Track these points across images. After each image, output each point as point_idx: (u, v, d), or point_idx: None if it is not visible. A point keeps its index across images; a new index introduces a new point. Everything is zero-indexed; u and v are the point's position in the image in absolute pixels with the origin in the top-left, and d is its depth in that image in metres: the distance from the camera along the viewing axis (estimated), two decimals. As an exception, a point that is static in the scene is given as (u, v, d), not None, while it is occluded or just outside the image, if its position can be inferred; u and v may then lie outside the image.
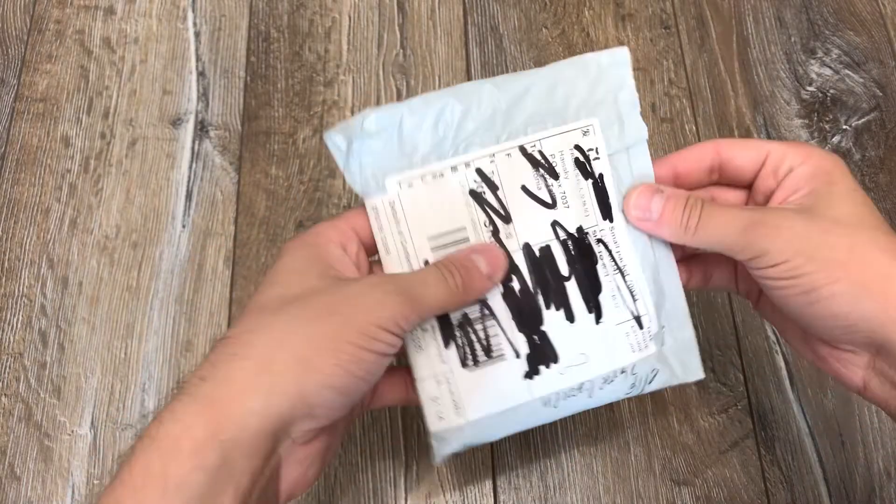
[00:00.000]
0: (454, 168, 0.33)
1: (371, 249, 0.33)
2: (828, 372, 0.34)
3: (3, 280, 0.48)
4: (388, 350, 0.29)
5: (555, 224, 0.34)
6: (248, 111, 0.54)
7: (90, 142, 0.52)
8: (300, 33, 0.57)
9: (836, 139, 0.56)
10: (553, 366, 0.34)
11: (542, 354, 0.34)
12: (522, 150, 0.33)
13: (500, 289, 0.33)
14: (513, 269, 0.33)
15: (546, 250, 0.34)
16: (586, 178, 0.34)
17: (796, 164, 0.33)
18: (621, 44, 0.58)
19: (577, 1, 0.59)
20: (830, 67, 0.58)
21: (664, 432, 0.47)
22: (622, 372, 0.34)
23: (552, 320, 0.34)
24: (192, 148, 0.53)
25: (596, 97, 0.34)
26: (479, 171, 0.33)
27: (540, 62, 0.57)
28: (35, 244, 0.50)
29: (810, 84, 0.57)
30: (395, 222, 0.33)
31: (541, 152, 0.34)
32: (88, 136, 0.53)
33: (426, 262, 0.32)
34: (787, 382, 0.48)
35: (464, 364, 0.33)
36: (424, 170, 0.33)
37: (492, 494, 0.45)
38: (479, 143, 0.33)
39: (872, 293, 0.29)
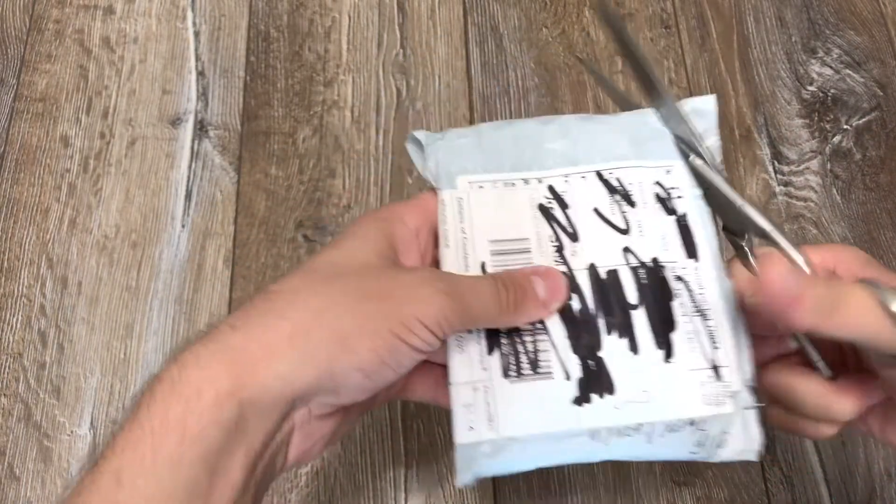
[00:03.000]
0: (526, 181, 0.33)
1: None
2: None
3: (3, 280, 0.48)
4: (424, 347, 0.28)
5: (626, 250, 0.32)
6: (248, 111, 0.54)
7: (89, 141, 0.52)
8: (300, 33, 0.57)
9: (836, 139, 0.56)
10: (608, 397, 0.30)
11: (596, 382, 0.30)
12: (599, 175, 0.33)
13: None
14: (574, 287, 0.31)
15: (613, 274, 0.32)
16: (668, 215, 0.32)
17: (840, 258, 0.30)
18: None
19: (577, 1, 0.59)
20: (831, 67, 0.58)
21: (664, 432, 0.47)
22: (690, 423, 0.30)
23: (613, 348, 0.31)
24: (192, 148, 0.53)
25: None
26: (552, 189, 0.33)
27: (540, 62, 0.57)
28: (34, 244, 0.49)
29: (811, 84, 0.57)
30: (460, 218, 0.32)
31: (618, 179, 0.33)
32: (88, 135, 0.53)
33: (483, 265, 0.32)
34: (787, 382, 0.48)
35: (506, 374, 0.30)
36: (497, 176, 0.33)
37: (492, 494, 0.45)
38: (554, 164, 0.33)
39: None
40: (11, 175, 0.51)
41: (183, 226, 0.50)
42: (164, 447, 0.24)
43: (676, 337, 0.31)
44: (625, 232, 0.32)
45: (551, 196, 0.33)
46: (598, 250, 0.32)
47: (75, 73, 0.54)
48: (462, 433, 0.30)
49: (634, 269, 0.32)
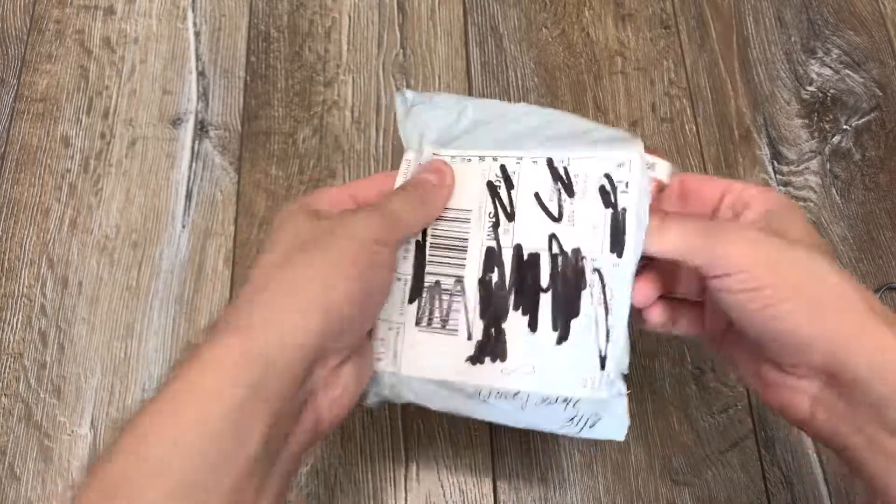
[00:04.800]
0: (482, 158, 0.36)
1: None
2: (773, 402, 0.33)
3: (3, 280, 0.48)
4: (389, 262, 0.32)
5: (553, 237, 0.34)
6: (248, 111, 0.54)
7: (90, 142, 0.52)
8: (300, 33, 0.57)
9: (836, 139, 0.56)
10: (498, 363, 0.34)
11: (492, 347, 0.34)
12: (549, 162, 0.35)
13: (479, 273, 0.35)
14: (498, 262, 0.35)
15: (534, 257, 0.35)
16: (606, 207, 0.34)
17: (755, 199, 0.34)
18: (621, 43, 0.58)
19: (577, 1, 0.59)
20: (830, 67, 0.58)
21: (664, 432, 0.47)
22: (564, 401, 0.34)
23: (514, 322, 0.34)
24: (192, 148, 0.53)
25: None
26: (503, 168, 0.35)
27: (540, 62, 0.57)
28: (35, 244, 0.49)
29: (810, 84, 0.57)
30: None
31: (566, 169, 0.35)
32: (88, 136, 0.53)
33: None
34: (787, 382, 0.48)
35: (418, 322, 0.35)
36: (457, 152, 0.36)
37: (492, 495, 0.45)
38: (514, 146, 0.36)
39: (831, 312, 0.29)
40: (12, 175, 0.51)
41: (183, 226, 0.50)
42: (188, 408, 0.26)
43: (575, 323, 0.34)
44: (556, 220, 0.35)
45: (501, 175, 0.35)
46: (527, 233, 0.35)
47: (76, 73, 0.54)
48: (373, 362, 0.35)
49: (554, 256, 0.34)
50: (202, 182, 0.52)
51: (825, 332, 0.29)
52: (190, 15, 0.57)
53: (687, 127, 0.55)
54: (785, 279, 0.30)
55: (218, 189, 0.52)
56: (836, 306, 0.30)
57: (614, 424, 0.34)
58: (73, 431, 0.45)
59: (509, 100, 0.55)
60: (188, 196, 0.51)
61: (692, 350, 0.49)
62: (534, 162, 0.35)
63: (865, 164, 0.55)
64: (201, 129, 0.53)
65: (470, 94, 0.55)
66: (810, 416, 0.32)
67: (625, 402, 0.34)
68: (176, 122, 0.53)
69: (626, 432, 0.34)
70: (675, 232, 0.33)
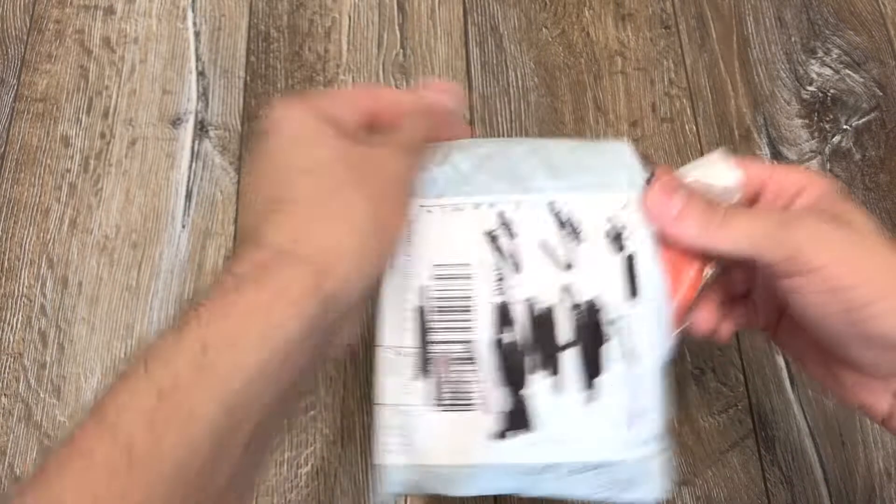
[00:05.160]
0: (477, 205, 0.32)
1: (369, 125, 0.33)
2: (850, 402, 0.31)
3: (3, 280, 0.48)
4: (412, 193, 0.31)
5: (565, 289, 0.31)
6: (248, 111, 0.54)
7: (90, 142, 0.52)
8: (300, 33, 0.57)
9: (836, 139, 0.56)
10: (524, 433, 0.31)
11: (516, 418, 0.31)
12: (551, 206, 0.32)
13: (491, 335, 0.31)
14: (508, 321, 0.31)
15: (548, 312, 0.31)
16: (616, 252, 0.31)
17: (804, 186, 0.31)
18: (621, 43, 0.58)
19: (577, 1, 0.59)
20: (831, 67, 0.58)
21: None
22: (595, 467, 0.31)
23: (537, 386, 0.31)
24: (192, 148, 0.53)
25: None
26: (501, 215, 0.32)
27: (540, 62, 0.57)
28: (35, 244, 0.49)
29: (810, 84, 0.57)
30: (407, 243, 0.32)
31: (569, 213, 0.32)
32: (88, 135, 0.53)
33: (421, 289, 0.32)
34: (787, 382, 0.48)
35: (429, 401, 0.31)
36: (448, 200, 0.32)
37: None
38: (509, 189, 0.32)
39: None
40: (12, 175, 0.51)
41: (183, 226, 0.50)
42: (248, 331, 0.25)
43: (601, 381, 0.31)
44: (567, 268, 0.31)
45: (499, 223, 0.32)
46: (536, 285, 0.31)
47: (76, 73, 0.54)
48: (380, 454, 0.31)
49: (569, 309, 0.31)
50: (202, 182, 0.52)
51: None
52: (190, 15, 0.57)
53: (687, 127, 0.55)
54: (871, 278, 0.27)
55: (218, 189, 0.52)
56: None
57: (651, 485, 0.31)
58: (72, 431, 0.45)
59: (509, 100, 0.55)
60: (188, 196, 0.51)
61: (692, 350, 0.49)
62: (533, 207, 0.32)
63: (865, 164, 0.55)
64: (201, 129, 0.53)
65: (470, 94, 0.55)
66: (889, 414, 0.30)
67: (658, 462, 0.31)
68: (176, 122, 0.53)
69: (663, 494, 0.31)
70: (743, 225, 0.29)
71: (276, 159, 0.29)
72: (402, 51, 0.56)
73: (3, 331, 0.47)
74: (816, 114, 0.56)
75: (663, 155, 0.54)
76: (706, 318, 0.33)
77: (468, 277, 0.31)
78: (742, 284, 0.35)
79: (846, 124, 0.56)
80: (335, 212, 0.28)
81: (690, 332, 0.33)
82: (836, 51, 0.58)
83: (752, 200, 0.33)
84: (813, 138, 0.56)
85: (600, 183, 0.32)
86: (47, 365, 0.46)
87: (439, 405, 0.31)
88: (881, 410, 0.31)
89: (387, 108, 0.32)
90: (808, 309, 0.29)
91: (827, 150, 0.55)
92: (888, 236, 0.29)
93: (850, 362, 0.30)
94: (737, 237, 0.29)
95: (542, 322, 0.31)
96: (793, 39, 0.59)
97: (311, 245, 0.27)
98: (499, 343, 0.31)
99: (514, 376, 0.31)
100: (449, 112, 0.34)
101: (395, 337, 0.31)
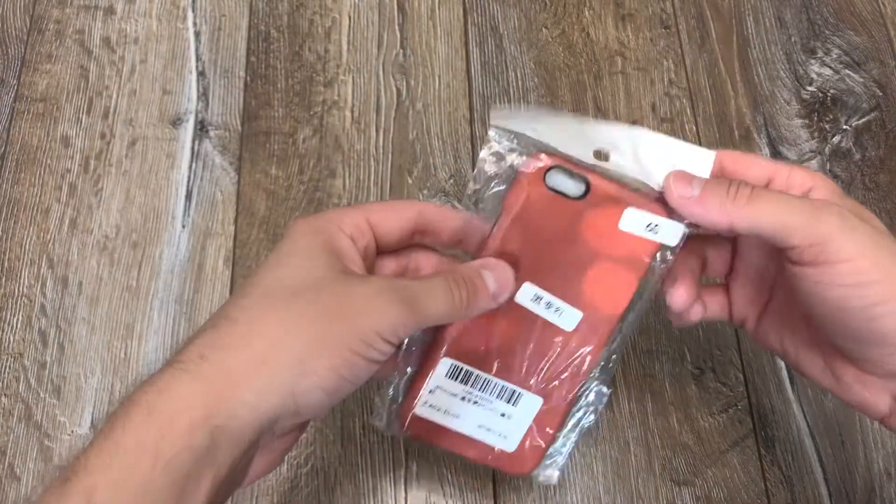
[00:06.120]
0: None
1: (382, 246, 0.32)
2: (849, 399, 0.31)
3: (3, 280, 0.48)
4: (381, 358, 0.28)
5: None
6: (248, 111, 0.54)
7: (90, 142, 0.52)
8: (300, 33, 0.57)
9: (836, 139, 0.56)
10: None
11: None
12: None
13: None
14: None
15: None
16: None
17: (809, 186, 0.31)
18: (621, 43, 0.58)
19: (577, 1, 0.59)
20: (830, 67, 0.58)
21: (664, 432, 0.47)
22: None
23: None
24: (192, 148, 0.53)
25: None
26: None
27: (540, 62, 0.57)
28: (35, 244, 0.49)
29: (810, 84, 0.57)
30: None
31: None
32: (88, 136, 0.53)
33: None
34: (787, 382, 0.48)
35: None
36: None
37: (492, 495, 0.45)
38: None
39: None
40: (12, 175, 0.51)
41: (183, 226, 0.50)
42: (137, 470, 0.24)
43: None
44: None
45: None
46: None
47: (76, 73, 0.54)
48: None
49: None
50: (202, 182, 0.52)
51: None
52: (190, 15, 0.57)
53: (687, 127, 0.55)
54: (892, 275, 0.27)
55: (218, 189, 0.52)
56: None
57: None
58: (73, 431, 0.45)
59: (509, 99, 0.55)
60: (188, 196, 0.51)
61: (692, 350, 0.49)
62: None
63: (865, 164, 0.55)
64: (201, 129, 0.53)
65: (470, 94, 0.55)
66: (889, 412, 0.30)
67: None
68: (176, 122, 0.53)
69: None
70: (772, 204, 0.28)
71: (259, 273, 0.29)
72: (402, 51, 0.56)
73: (3, 331, 0.47)
74: (816, 114, 0.56)
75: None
76: (681, 294, 0.33)
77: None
78: (720, 273, 0.35)
79: (846, 124, 0.56)
80: (260, 337, 0.27)
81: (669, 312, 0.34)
82: (836, 51, 0.58)
83: None
84: (813, 138, 0.56)
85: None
86: (47, 365, 0.46)
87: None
88: (880, 410, 0.31)
89: (392, 220, 0.32)
90: (826, 301, 0.28)
91: (827, 150, 0.55)
92: None
93: (855, 358, 0.30)
94: (765, 215, 0.28)
95: None
96: (793, 39, 0.59)
97: (216, 369, 0.26)
98: None
99: None
100: (485, 298, 0.31)
101: None
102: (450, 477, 0.45)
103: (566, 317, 0.33)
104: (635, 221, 0.32)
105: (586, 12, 0.59)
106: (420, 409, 0.34)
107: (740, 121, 0.56)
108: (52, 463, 0.44)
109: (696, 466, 0.46)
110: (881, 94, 0.57)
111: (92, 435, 0.45)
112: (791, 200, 0.28)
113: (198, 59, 0.55)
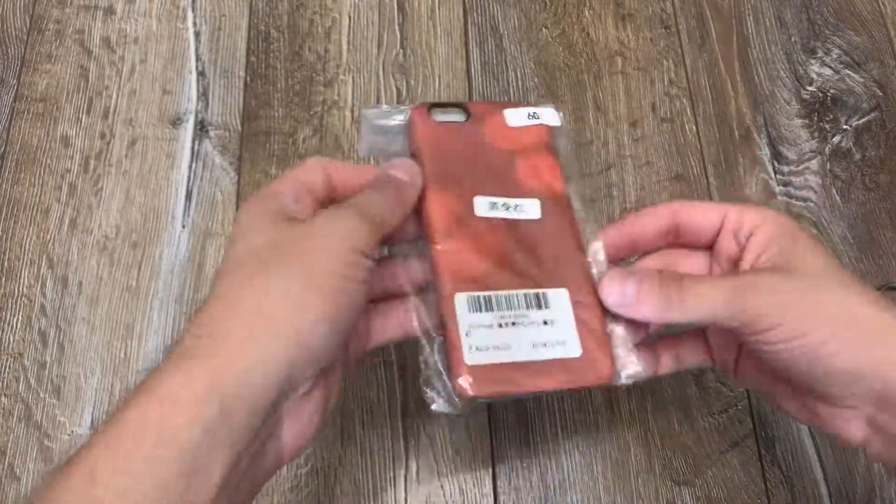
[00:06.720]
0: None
1: (326, 202, 0.33)
2: (827, 431, 0.33)
3: (3, 280, 0.48)
4: (366, 275, 0.30)
5: None
6: (248, 111, 0.54)
7: (90, 142, 0.52)
8: (300, 33, 0.57)
9: (836, 139, 0.56)
10: None
11: None
12: None
13: None
14: None
15: None
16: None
17: (757, 225, 0.33)
18: (621, 43, 0.58)
19: (577, 1, 0.59)
20: (831, 67, 0.58)
21: (664, 432, 0.47)
22: None
23: None
24: (192, 148, 0.53)
25: None
26: None
27: (540, 62, 0.57)
28: (35, 244, 0.49)
29: (810, 84, 0.57)
30: None
31: None
32: (88, 135, 0.53)
33: None
34: (787, 382, 0.48)
35: None
36: None
37: (492, 495, 0.45)
38: None
39: (875, 341, 0.30)
40: (12, 175, 0.51)
41: (183, 226, 0.50)
42: (140, 447, 0.24)
43: None
44: None
45: None
46: None
47: (76, 73, 0.54)
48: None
49: None
50: (202, 182, 0.52)
51: (873, 361, 0.30)
52: (190, 15, 0.57)
53: (687, 127, 0.55)
54: (823, 321, 0.30)
55: (218, 189, 0.52)
56: (879, 335, 0.30)
57: None
58: (73, 431, 0.45)
59: (509, 100, 0.55)
60: (188, 196, 0.51)
61: (692, 350, 0.49)
62: None
63: (865, 163, 0.55)
64: (201, 129, 0.53)
65: (470, 94, 0.55)
66: (864, 441, 0.32)
67: None
68: (176, 122, 0.53)
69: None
70: (701, 296, 0.31)
71: (226, 255, 0.30)
72: (402, 51, 0.56)
73: (3, 331, 0.47)
74: (816, 114, 0.56)
75: (663, 155, 0.54)
76: (652, 355, 0.36)
77: None
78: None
79: (846, 124, 0.56)
80: (250, 297, 0.27)
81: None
82: (836, 51, 0.58)
83: (712, 238, 0.35)
84: (813, 138, 0.56)
85: None
86: (47, 365, 0.46)
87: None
88: (856, 438, 0.32)
89: (346, 180, 0.33)
90: (777, 357, 0.31)
91: (827, 150, 0.55)
92: (843, 264, 0.32)
93: (819, 395, 0.32)
94: (697, 309, 0.31)
95: None
96: (793, 39, 0.59)
97: (213, 340, 0.26)
98: None
99: None
100: (406, 184, 0.34)
101: None
102: (450, 477, 0.45)
103: (528, 208, 0.36)
104: (517, 117, 0.38)
105: (586, 12, 0.59)
106: (469, 356, 0.32)
107: (740, 121, 0.56)
108: (52, 463, 0.44)
109: (696, 466, 0.46)
110: (881, 94, 0.57)
111: (91, 435, 0.45)
112: (715, 291, 0.31)
113: (198, 59, 0.55)
